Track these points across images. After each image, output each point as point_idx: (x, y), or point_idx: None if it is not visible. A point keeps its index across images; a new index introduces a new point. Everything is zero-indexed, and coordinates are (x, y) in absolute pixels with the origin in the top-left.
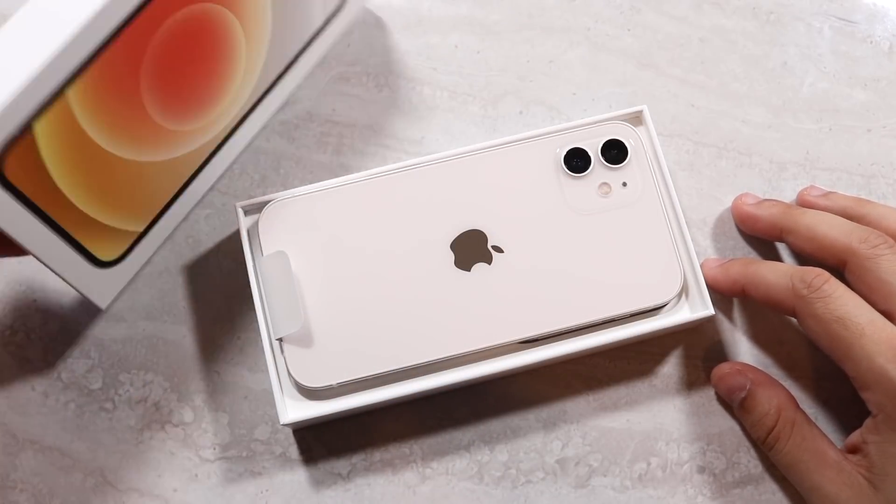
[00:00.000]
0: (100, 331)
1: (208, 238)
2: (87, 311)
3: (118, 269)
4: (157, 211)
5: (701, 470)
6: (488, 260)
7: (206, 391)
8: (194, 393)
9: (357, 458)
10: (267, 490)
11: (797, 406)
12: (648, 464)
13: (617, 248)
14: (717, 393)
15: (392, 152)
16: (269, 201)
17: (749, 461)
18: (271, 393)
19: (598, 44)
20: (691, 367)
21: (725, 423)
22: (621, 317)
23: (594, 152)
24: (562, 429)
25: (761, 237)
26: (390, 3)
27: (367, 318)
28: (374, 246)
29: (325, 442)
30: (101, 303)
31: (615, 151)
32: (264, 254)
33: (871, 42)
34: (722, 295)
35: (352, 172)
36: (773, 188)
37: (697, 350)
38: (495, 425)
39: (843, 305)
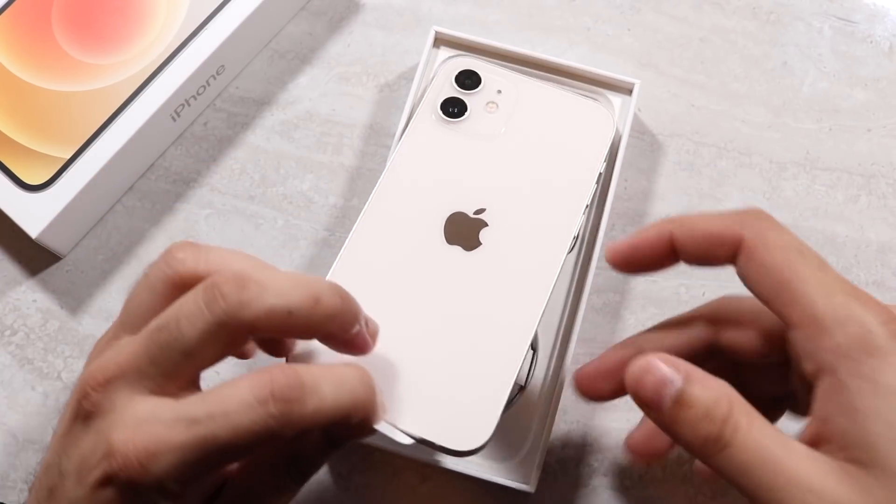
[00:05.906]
0: (100, 331)
1: (207, 237)
2: (87, 312)
3: (47, 194)
4: (86, 138)
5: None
6: None
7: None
8: None
9: (357, 458)
10: None
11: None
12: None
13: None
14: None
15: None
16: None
17: None
18: None
19: (598, 44)
20: None
21: None
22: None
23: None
24: (562, 429)
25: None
26: (390, 3)
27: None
28: None
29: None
30: (32, 230)
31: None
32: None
33: (871, 42)
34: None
35: (351, 172)
36: (773, 188)
37: None
38: None
39: (792, 238)
